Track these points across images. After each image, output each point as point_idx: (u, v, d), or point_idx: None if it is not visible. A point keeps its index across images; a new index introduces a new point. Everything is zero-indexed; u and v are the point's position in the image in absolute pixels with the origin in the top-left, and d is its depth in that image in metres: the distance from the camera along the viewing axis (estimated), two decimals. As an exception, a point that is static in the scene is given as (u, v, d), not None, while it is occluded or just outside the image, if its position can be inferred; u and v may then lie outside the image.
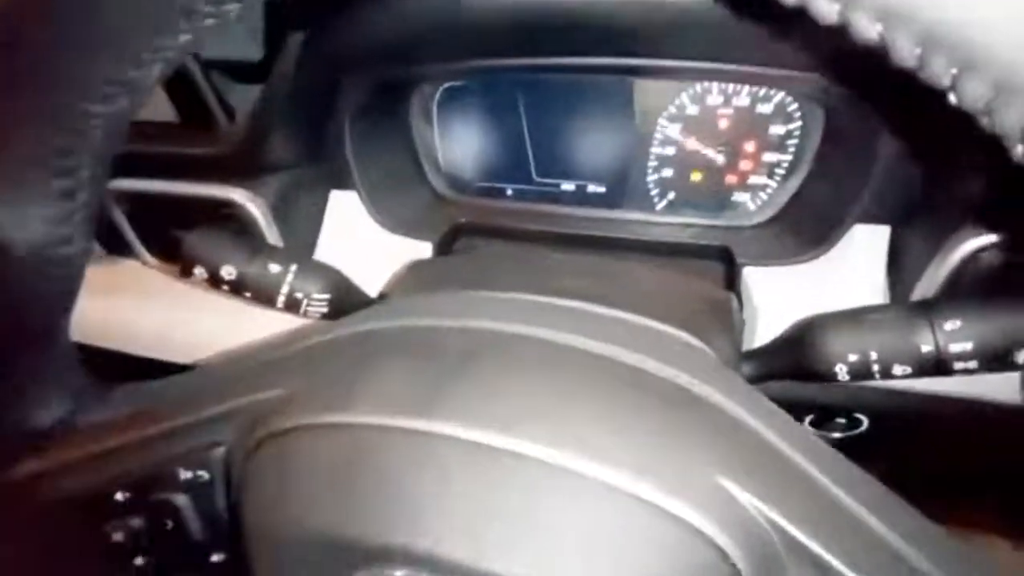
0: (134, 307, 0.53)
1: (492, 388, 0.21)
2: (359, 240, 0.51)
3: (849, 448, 0.45)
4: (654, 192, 0.50)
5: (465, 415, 0.20)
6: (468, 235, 0.52)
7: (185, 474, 0.24)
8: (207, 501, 0.24)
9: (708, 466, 0.20)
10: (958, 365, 0.28)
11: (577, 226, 0.50)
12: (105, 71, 0.18)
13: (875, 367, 0.30)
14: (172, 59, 0.18)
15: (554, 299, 0.28)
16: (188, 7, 0.16)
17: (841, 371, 0.30)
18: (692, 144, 0.48)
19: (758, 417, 0.22)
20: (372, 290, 0.41)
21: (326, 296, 0.37)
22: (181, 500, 0.24)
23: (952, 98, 0.12)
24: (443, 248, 0.51)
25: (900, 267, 0.40)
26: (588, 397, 0.21)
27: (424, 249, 0.50)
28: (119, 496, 0.24)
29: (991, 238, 0.34)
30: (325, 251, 0.52)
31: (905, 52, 0.11)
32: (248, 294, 0.36)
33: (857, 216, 0.41)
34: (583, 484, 0.19)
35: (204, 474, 0.24)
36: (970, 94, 0.11)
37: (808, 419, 0.45)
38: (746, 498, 0.19)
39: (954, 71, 0.11)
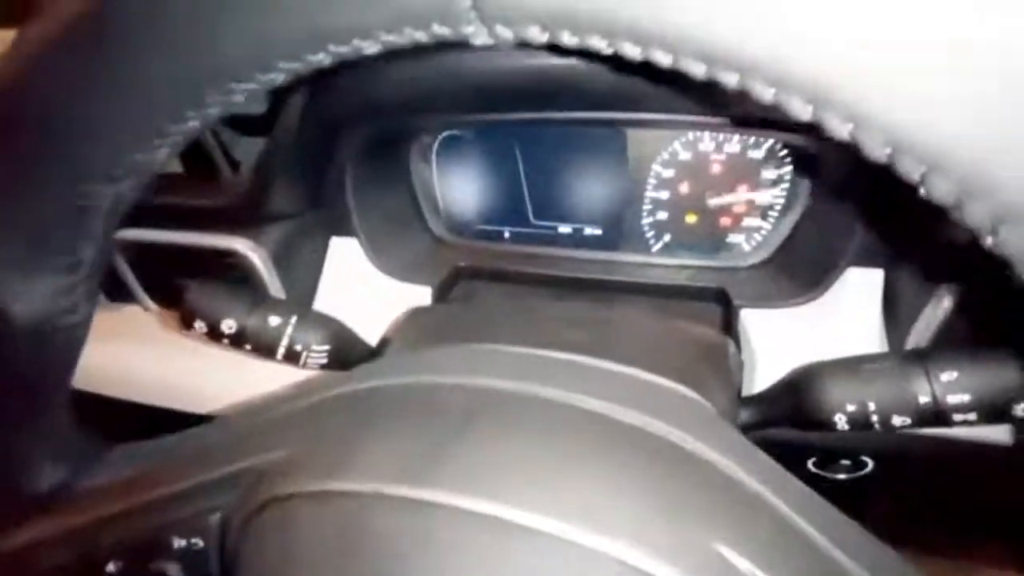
0: (135, 354, 0.53)
1: (491, 454, 0.21)
2: (359, 285, 0.52)
3: (854, 490, 0.45)
4: (649, 234, 0.51)
5: (464, 484, 0.20)
6: (467, 278, 0.52)
7: (179, 542, 0.24)
8: (199, 570, 0.24)
9: (705, 531, 0.20)
10: (957, 417, 0.28)
11: (574, 268, 0.51)
12: (112, 156, 0.19)
13: (874, 417, 0.29)
14: (178, 143, 0.19)
15: (553, 353, 0.28)
16: (197, 98, 0.17)
17: (840, 420, 0.30)
18: (686, 188, 0.49)
19: (754, 475, 0.22)
20: (372, 335, 0.41)
21: (326, 347, 0.37)
22: (173, 570, 0.24)
23: (923, 192, 0.12)
24: (443, 292, 0.51)
25: (895, 310, 0.41)
26: (586, 461, 0.21)
27: (423, 293, 0.51)
28: (111, 567, 0.24)
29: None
30: (325, 296, 0.52)
31: (876, 152, 0.12)
32: (248, 347, 0.37)
33: (850, 259, 0.42)
34: (580, 552, 0.19)
35: (198, 542, 0.24)
36: (938, 191, 0.12)
37: (811, 461, 0.45)
38: (744, 564, 0.19)
39: (923, 169, 0.12)
